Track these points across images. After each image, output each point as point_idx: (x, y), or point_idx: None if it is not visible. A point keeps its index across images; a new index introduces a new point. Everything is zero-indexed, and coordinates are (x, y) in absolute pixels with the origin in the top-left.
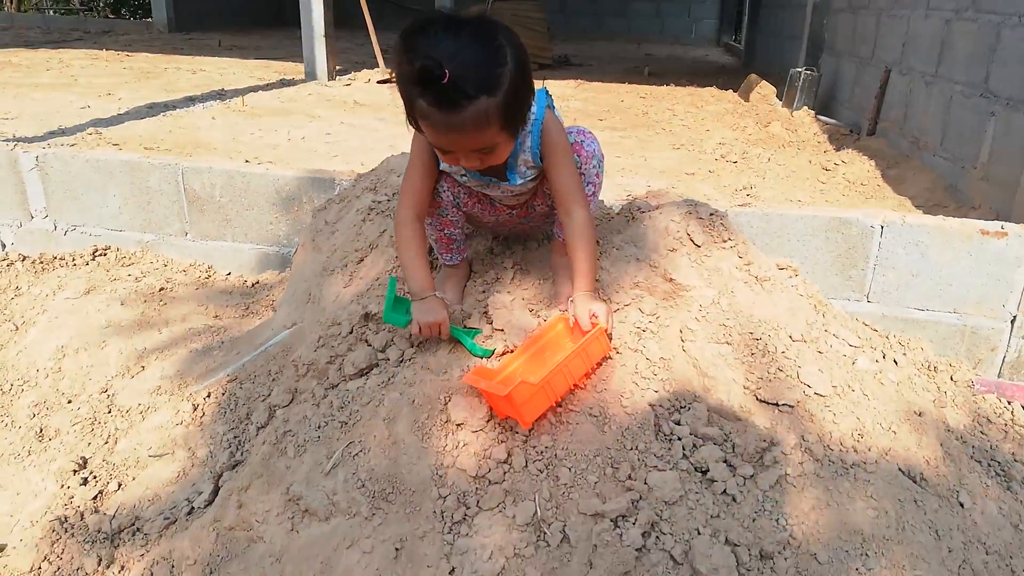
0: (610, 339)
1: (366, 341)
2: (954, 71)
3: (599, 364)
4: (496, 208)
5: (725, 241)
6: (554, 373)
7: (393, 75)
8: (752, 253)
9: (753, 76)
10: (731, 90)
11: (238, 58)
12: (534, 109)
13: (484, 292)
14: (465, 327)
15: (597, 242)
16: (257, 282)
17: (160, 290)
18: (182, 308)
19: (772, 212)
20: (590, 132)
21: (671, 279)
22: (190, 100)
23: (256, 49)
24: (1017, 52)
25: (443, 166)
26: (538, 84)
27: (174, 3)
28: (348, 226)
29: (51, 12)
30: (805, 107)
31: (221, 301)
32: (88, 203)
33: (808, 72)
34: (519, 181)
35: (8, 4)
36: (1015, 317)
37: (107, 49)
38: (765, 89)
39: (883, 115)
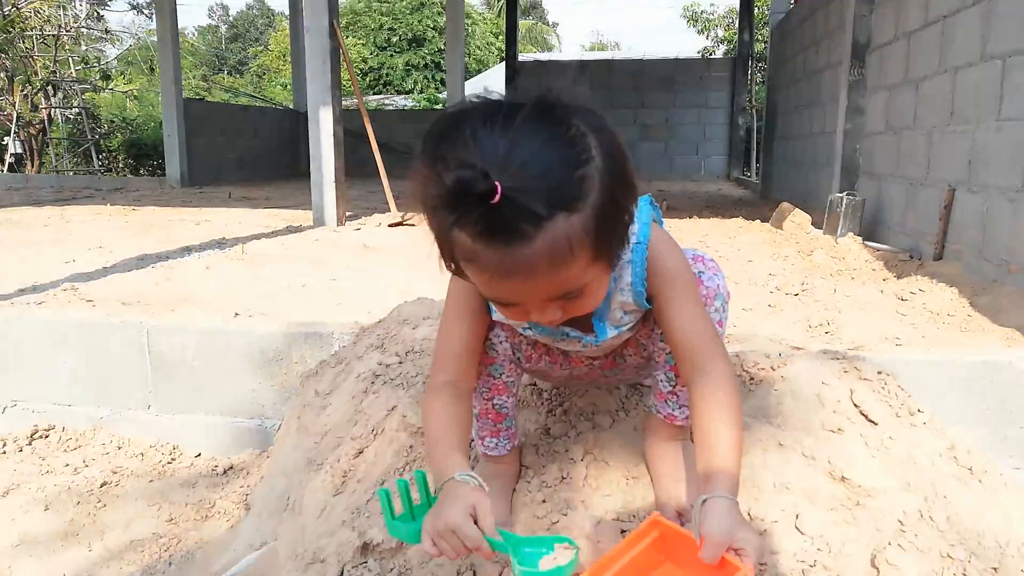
0: None
1: None
2: None
3: None
4: (571, 360)
5: (913, 415)
6: None
7: (405, 216)
8: (950, 431)
9: (785, 204)
10: (758, 220)
11: (247, 208)
12: (635, 227)
13: (545, 502)
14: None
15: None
16: (231, 467)
17: (103, 485)
18: (127, 510)
19: (894, 357)
20: (711, 260)
21: (843, 478)
22: (186, 250)
23: (267, 199)
24: None
25: (497, 315)
26: None
27: (188, 158)
28: (345, 399)
29: (70, 173)
30: (850, 233)
31: (180, 497)
32: (33, 373)
33: (850, 197)
34: (610, 333)
35: (29, 166)
36: None
37: (114, 204)
38: (799, 217)
39: (951, 237)
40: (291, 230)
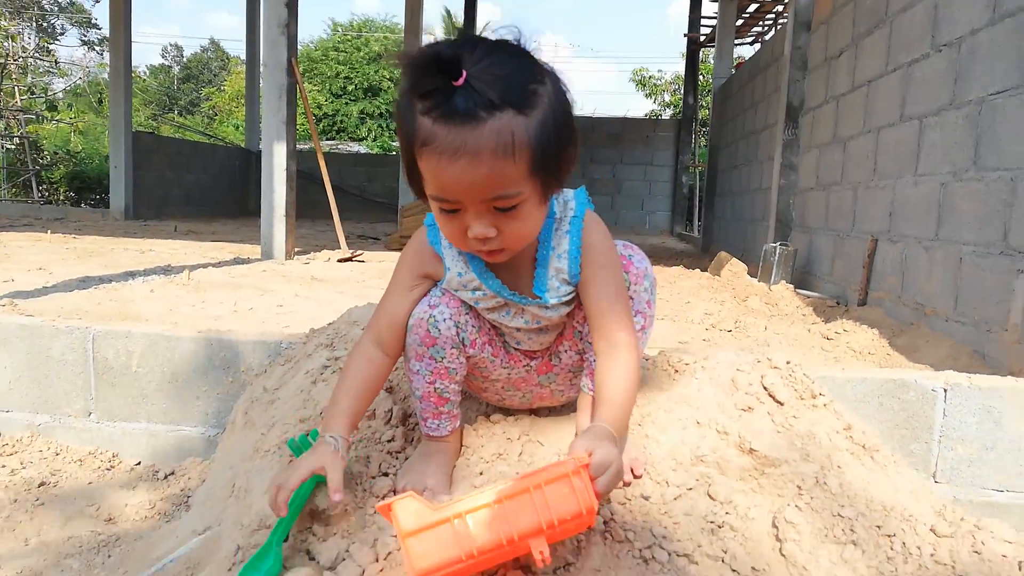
0: (599, 501)
1: (308, 553)
2: (961, 232)
3: (570, 531)
4: (511, 356)
5: (815, 397)
6: (473, 514)
7: (355, 253)
8: (848, 414)
9: (723, 254)
10: (698, 269)
11: (194, 241)
12: (573, 204)
13: (482, 474)
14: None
15: (640, 387)
16: (172, 472)
17: (40, 485)
18: (65, 509)
19: (815, 375)
20: (639, 248)
21: (751, 450)
22: (130, 274)
23: (214, 234)
24: None
25: (448, 276)
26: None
27: (134, 190)
28: (293, 393)
29: (7, 201)
30: (783, 282)
31: (120, 498)
32: None
33: (783, 247)
34: (552, 300)
35: None
36: None
37: (54, 232)
38: (736, 266)
39: (873, 285)
40: (238, 261)
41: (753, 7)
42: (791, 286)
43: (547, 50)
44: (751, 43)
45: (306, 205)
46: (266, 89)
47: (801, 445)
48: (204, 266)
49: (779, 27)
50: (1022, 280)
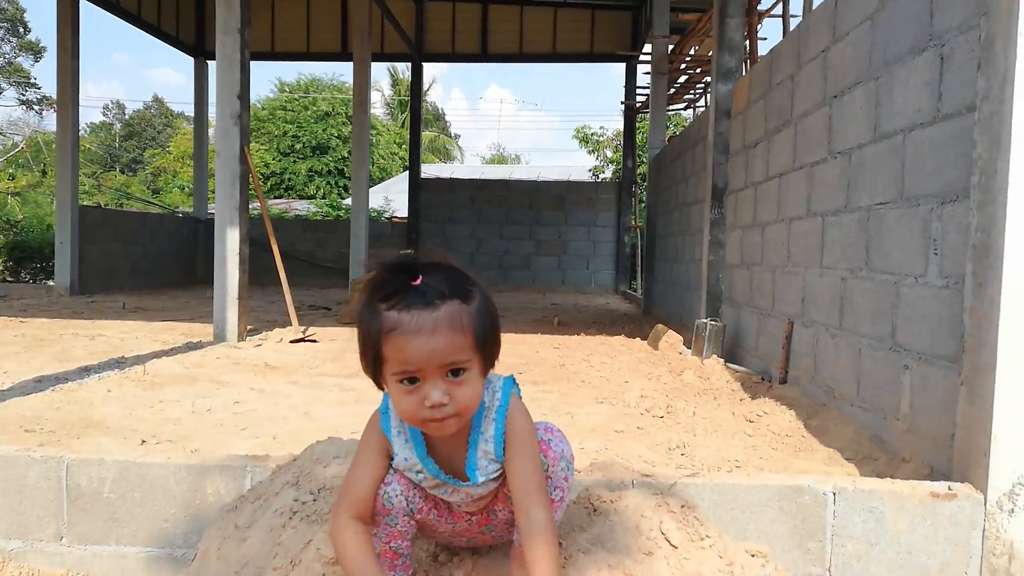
0: None
1: None
2: (859, 325)
3: None
4: (454, 515)
5: (703, 539)
6: None
7: (307, 332)
8: (730, 549)
9: (660, 327)
10: (639, 338)
11: (143, 320)
12: (499, 395)
13: None
14: None
15: (560, 545)
16: None
17: None
18: None
19: (723, 483)
20: (559, 430)
21: None
22: (85, 371)
23: (162, 311)
24: (920, 310)
25: (396, 459)
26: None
27: (79, 265)
28: (263, 531)
29: None
30: (714, 355)
31: None
32: None
33: (713, 323)
34: (480, 479)
35: None
36: None
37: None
38: (672, 338)
39: (792, 364)
40: (191, 347)
41: (683, 78)
42: (722, 360)
43: (494, 103)
44: (684, 108)
45: (256, 271)
46: (219, 176)
47: None
48: (158, 355)
49: (708, 97)
50: (907, 375)
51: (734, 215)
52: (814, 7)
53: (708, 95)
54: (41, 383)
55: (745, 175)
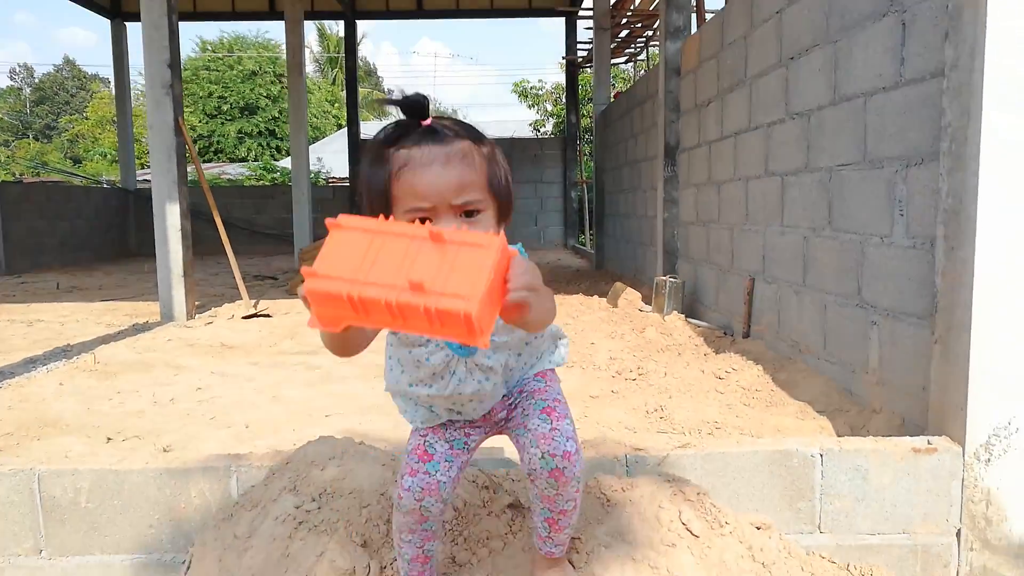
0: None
1: None
2: (824, 282)
3: (450, 318)
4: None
5: (723, 526)
6: (392, 239)
7: (258, 307)
8: (749, 534)
9: (619, 284)
10: (596, 295)
11: (81, 301)
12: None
13: None
14: None
15: (580, 540)
16: None
17: None
18: None
19: (713, 452)
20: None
21: None
22: (30, 363)
23: (100, 289)
24: (886, 269)
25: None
26: None
27: (4, 245)
28: (266, 540)
29: None
30: (675, 312)
31: None
32: None
33: (672, 280)
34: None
35: None
36: (959, 530)
37: None
38: (631, 295)
39: (755, 319)
40: (139, 328)
41: (624, 33)
42: (682, 316)
43: (427, 58)
44: (625, 62)
45: (194, 242)
46: (153, 150)
47: (716, 572)
48: (105, 340)
49: (650, 49)
50: (875, 331)
51: (688, 173)
52: None
53: (649, 49)
54: None
55: (698, 134)
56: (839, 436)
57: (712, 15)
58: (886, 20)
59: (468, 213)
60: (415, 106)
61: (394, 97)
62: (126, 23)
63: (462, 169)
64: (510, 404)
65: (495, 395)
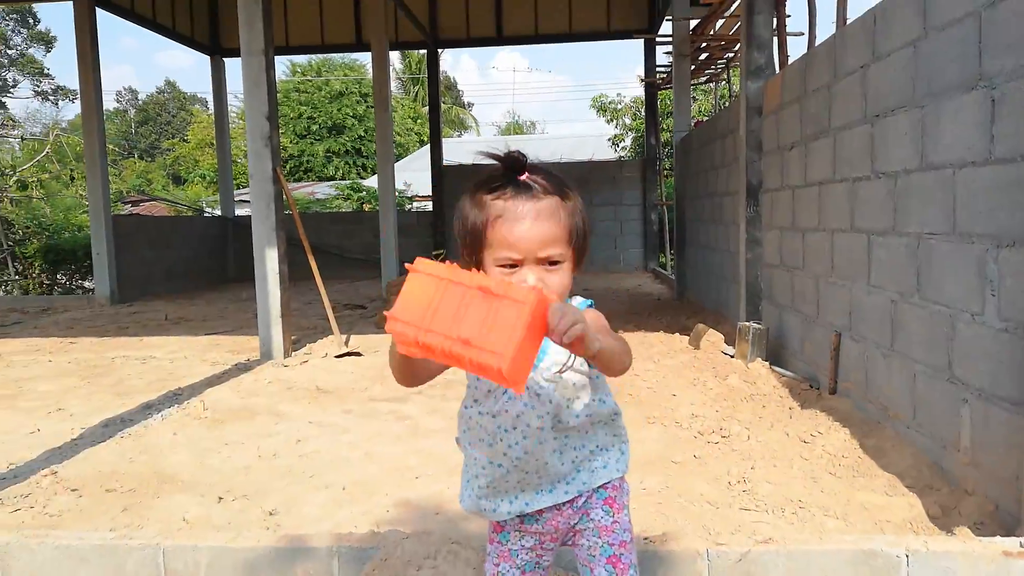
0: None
1: None
2: (912, 350)
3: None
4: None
5: None
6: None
7: (348, 343)
8: None
9: (701, 326)
10: (678, 333)
11: (187, 335)
12: (578, 302)
13: None
14: None
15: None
16: None
17: None
18: None
19: (796, 550)
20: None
21: None
22: (146, 408)
23: (203, 321)
24: (978, 348)
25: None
26: None
27: (117, 274)
28: None
29: None
30: (759, 359)
31: None
32: None
33: (756, 326)
34: (546, 365)
35: None
36: None
37: (47, 336)
38: (714, 336)
39: (842, 376)
40: (240, 368)
41: (704, 56)
42: (767, 363)
43: (505, 72)
44: (706, 81)
45: (289, 265)
46: (254, 198)
47: None
48: (211, 381)
49: (731, 71)
50: (966, 409)
51: (771, 215)
52: (848, 17)
53: (730, 71)
54: (108, 427)
55: (781, 177)
56: (930, 516)
57: (795, 60)
58: (974, 93)
59: (551, 262)
60: (515, 164)
61: (497, 153)
62: (224, 59)
63: (549, 225)
64: (573, 523)
65: (538, 456)
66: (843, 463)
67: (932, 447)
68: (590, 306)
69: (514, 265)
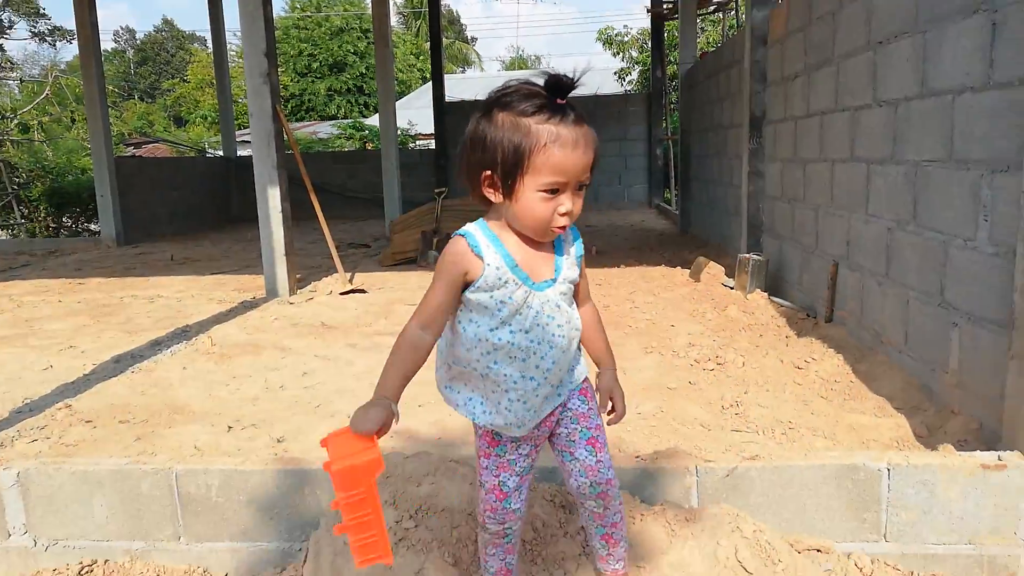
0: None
1: None
2: (906, 276)
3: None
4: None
5: (775, 563)
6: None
7: (352, 280)
8: (802, 567)
9: (701, 259)
10: (679, 267)
11: (192, 274)
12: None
13: None
14: None
15: (644, 568)
16: None
17: None
18: None
19: (781, 465)
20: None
21: None
22: (155, 344)
23: (209, 261)
24: (969, 272)
25: (487, 270)
26: None
27: (122, 216)
28: None
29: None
30: (757, 290)
31: None
32: (72, 515)
33: (756, 258)
34: (560, 279)
35: None
36: None
37: (56, 277)
38: (714, 269)
39: (838, 304)
40: (247, 305)
41: None
42: (765, 294)
43: (509, 2)
44: (713, 11)
45: (292, 205)
46: (254, 137)
47: None
48: (218, 319)
49: (738, 1)
50: (956, 332)
51: (774, 147)
52: None
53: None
54: (119, 363)
55: (784, 107)
56: (916, 436)
57: None
58: (976, 17)
59: (580, 186)
60: (561, 85)
61: (543, 72)
62: None
63: (590, 152)
64: (555, 420)
65: (562, 366)
66: (835, 387)
67: (922, 371)
68: (580, 255)
69: (555, 189)
